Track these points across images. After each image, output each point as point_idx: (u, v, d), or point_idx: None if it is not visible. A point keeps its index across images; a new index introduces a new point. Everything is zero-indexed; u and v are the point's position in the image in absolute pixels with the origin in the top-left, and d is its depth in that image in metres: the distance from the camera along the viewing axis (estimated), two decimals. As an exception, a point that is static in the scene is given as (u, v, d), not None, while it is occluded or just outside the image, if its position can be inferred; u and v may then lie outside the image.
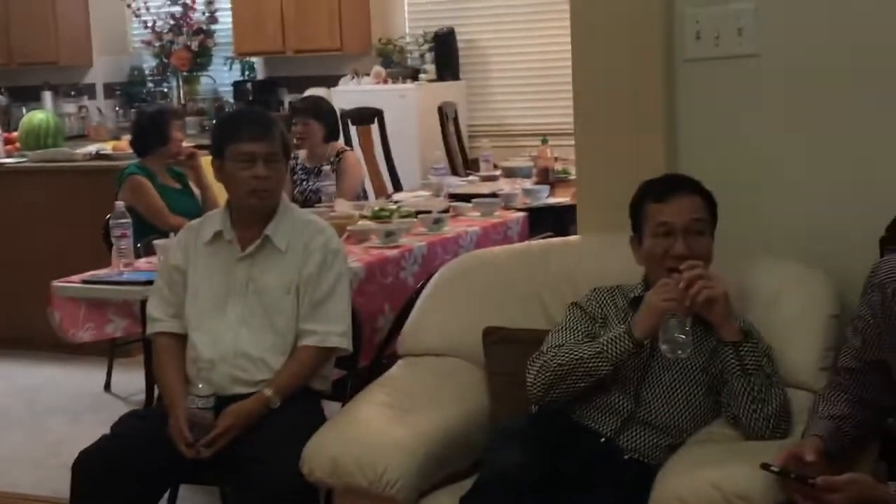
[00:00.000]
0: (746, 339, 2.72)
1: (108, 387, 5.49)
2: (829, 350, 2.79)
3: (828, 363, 2.75)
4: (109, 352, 5.47)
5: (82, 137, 8.61)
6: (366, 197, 6.05)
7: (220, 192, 4.20)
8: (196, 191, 5.39)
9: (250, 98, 9.02)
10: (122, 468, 2.94)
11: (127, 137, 6.04)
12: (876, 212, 2.87)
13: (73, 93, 9.36)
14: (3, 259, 6.28)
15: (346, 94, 7.94)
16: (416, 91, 8.17)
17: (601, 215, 3.32)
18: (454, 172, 7.13)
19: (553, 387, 2.78)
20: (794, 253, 3.03)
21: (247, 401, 3.05)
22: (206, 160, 4.60)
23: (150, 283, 3.60)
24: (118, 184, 5.22)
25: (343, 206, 5.13)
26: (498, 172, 6.49)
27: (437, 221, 4.68)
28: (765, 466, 2.35)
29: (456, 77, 8.50)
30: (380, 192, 6.72)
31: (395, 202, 5.41)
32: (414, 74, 8.39)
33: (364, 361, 3.64)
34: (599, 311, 2.91)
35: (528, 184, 5.88)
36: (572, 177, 4.91)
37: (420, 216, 4.78)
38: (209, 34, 9.13)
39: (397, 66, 8.49)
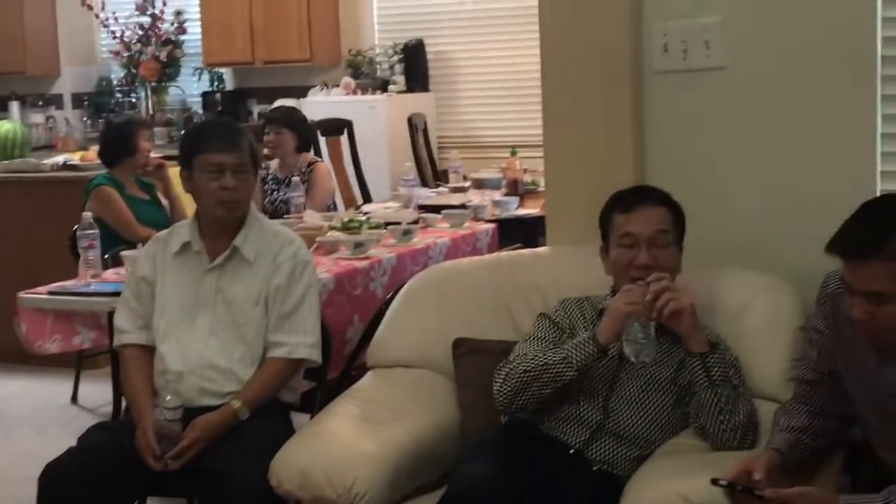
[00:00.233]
0: (713, 351, 2.74)
1: (75, 399, 5.46)
2: (796, 361, 2.81)
3: (794, 374, 2.77)
4: (76, 363, 5.44)
5: (50, 148, 8.56)
6: (335, 208, 6.05)
7: (188, 203, 4.19)
8: (164, 201, 5.37)
9: (219, 109, 9.00)
10: (89, 480, 2.92)
11: (95, 148, 6.02)
12: (841, 223, 2.89)
13: (40, 103, 9.30)
14: (-31, 270, 6.23)
15: (315, 106, 7.93)
16: (385, 102, 8.17)
17: (570, 227, 3.34)
18: (424, 184, 7.14)
19: (519, 394, 2.79)
20: (761, 264, 3.05)
21: (215, 413, 3.03)
22: (174, 171, 4.58)
23: (117, 294, 3.57)
24: (86, 194, 5.19)
25: (312, 217, 5.13)
26: (467, 184, 6.50)
27: (407, 233, 4.68)
28: (714, 481, 2.36)
29: (425, 88, 8.51)
30: (349, 203, 6.72)
31: (365, 213, 5.42)
32: (383, 86, 8.40)
33: (333, 373, 3.63)
34: (568, 321, 2.92)
35: (497, 195, 5.90)
36: (541, 188, 4.94)
37: (389, 227, 4.79)
38: (178, 45, 9.10)
39: (367, 78, 8.50)
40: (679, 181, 3.07)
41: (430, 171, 7.66)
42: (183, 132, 7.97)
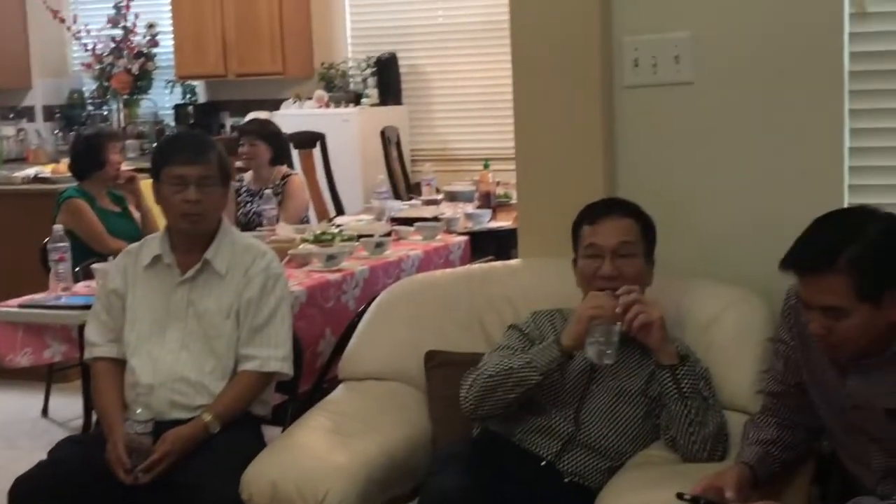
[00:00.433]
0: (683, 363, 2.75)
1: (45, 412, 5.43)
2: (764, 373, 2.82)
3: (763, 386, 2.79)
4: (47, 377, 5.40)
5: (21, 161, 8.53)
6: (309, 221, 6.04)
7: (160, 216, 4.18)
8: (136, 214, 5.35)
9: (191, 121, 8.98)
10: (59, 494, 2.90)
11: (66, 161, 5.99)
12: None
13: (11, 115, 9.25)
14: (-62, 283, 6.18)
15: (288, 118, 7.92)
16: (358, 115, 8.17)
17: (542, 239, 3.35)
18: (396, 196, 7.15)
19: (484, 399, 2.79)
20: (731, 276, 3.07)
21: (186, 426, 3.02)
22: (146, 183, 4.57)
23: (88, 307, 3.56)
24: (57, 207, 5.17)
25: (285, 230, 5.13)
26: (440, 196, 6.51)
27: (379, 245, 4.69)
28: (679, 496, 2.37)
29: (398, 101, 8.52)
30: (322, 215, 6.71)
31: (337, 226, 5.41)
32: (356, 99, 8.40)
33: (305, 386, 3.63)
34: (538, 332, 2.93)
35: (470, 208, 5.91)
36: (514, 201, 4.94)
37: (362, 240, 4.79)
38: (150, 57, 9.07)
39: (340, 91, 8.50)
40: (650, 194, 3.09)
41: (403, 184, 7.67)
42: (154, 145, 7.96)
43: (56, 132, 9.30)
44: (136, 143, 8.83)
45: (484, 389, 2.79)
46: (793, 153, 3.14)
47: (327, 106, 8.33)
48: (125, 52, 9.01)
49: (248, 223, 5.68)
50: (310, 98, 8.42)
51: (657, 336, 2.74)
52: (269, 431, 3.25)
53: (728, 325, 2.93)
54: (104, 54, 9.03)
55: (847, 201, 3.12)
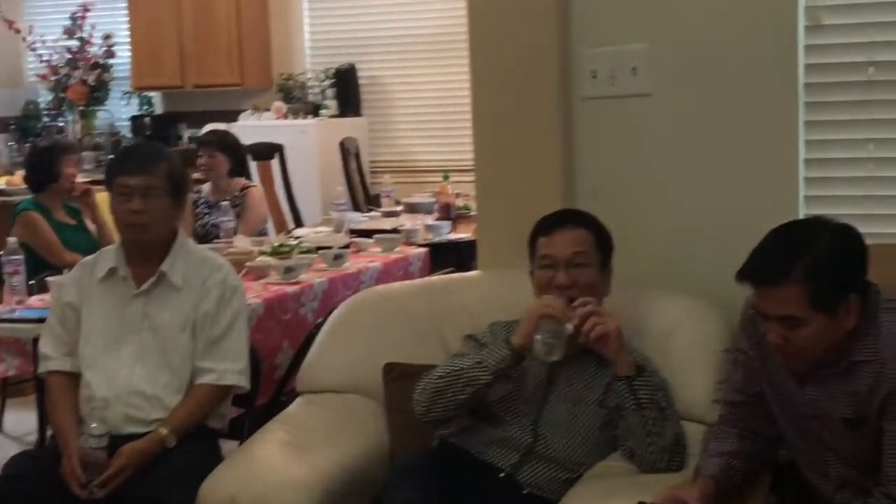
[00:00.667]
0: (640, 374, 2.76)
1: (-1, 427, 5.36)
2: (721, 383, 2.83)
3: (719, 396, 2.80)
4: (1, 391, 5.33)
5: (-25, 173, 8.44)
6: (268, 233, 6.02)
7: (115, 229, 4.15)
8: (92, 227, 5.31)
9: (148, 133, 8.92)
10: (13, 510, 2.87)
11: (21, 173, 5.94)
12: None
13: (-34, 127, 9.18)
14: None
15: (246, 130, 7.87)
16: (317, 126, 8.15)
17: (501, 251, 3.35)
18: (356, 208, 7.13)
19: (435, 400, 2.79)
20: (689, 286, 3.08)
21: (141, 440, 2.99)
22: (102, 196, 4.54)
23: (42, 320, 3.53)
24: (12, 220, 5.12)
25: (242, 242, 5.10)
26: (399, 208, 6.50)
27: (338, 257, 4.67)
28: None
29: (357, 113, 8.51)
30: (280, 227, 6.69)
31: (296, 238, 5.39)
32: (315, 110, 8.38)
33: (262, 399, 3.61)
34: (493, 342, 2.92)
35: (429, 219, 5.91)
36: (473, 213, 4.95)
37: (320, 252, 4.77)
38: (106, 68, 9.01)
39: (298, 102, 8.48)
40: (608, 205, 3.10)
41: (362, 196, 7.65)
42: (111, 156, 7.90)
43: (11, 144, 9.19)
44: (93, 154, 8.74)
45: (435, 391, 2.79)
46: (749, 164, 3.16)
47: (286, 117, 8.30)
48: (81, 64, 8.94)
49: (206, 235, 5.65)
50: (268, 109, 8.39)
51: (614, 347, 2.75)
52: (226, 445, 3.22)
53: (685, 335, 2.94)
54: (60, 65, 8.96)
55: (803, 212, 3.15)
